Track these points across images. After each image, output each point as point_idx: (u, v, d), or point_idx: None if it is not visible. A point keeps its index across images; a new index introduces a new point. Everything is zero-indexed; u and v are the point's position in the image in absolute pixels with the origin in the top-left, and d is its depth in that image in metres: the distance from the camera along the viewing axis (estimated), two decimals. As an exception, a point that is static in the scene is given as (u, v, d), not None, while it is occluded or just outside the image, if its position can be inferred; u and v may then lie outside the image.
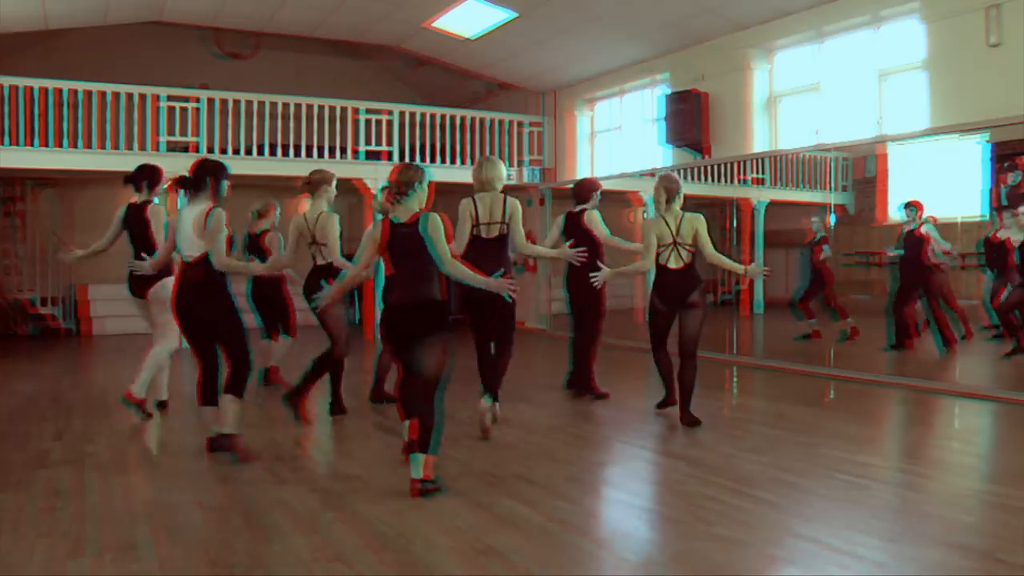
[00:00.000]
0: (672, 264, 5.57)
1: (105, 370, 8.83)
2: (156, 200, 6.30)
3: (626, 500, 4.14)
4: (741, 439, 5.29)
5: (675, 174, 5.80)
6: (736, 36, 10.17)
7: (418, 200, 4.27)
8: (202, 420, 5.00)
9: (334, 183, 6.11)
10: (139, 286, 6.00)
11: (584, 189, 6.69)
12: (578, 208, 6.59)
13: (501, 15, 10.89)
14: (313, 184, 6.03)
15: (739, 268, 5.87)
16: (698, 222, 5.55)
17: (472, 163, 12.37)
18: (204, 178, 4.80)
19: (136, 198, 6.20)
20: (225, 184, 4.89)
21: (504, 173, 5.57)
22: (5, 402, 6.72)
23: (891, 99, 9.08)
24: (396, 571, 3.09)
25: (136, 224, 6.07)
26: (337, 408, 6.05)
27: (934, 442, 5.56)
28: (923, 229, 8.46)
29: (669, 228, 5.56)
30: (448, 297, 4.28)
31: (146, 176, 6.23)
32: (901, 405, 6.60)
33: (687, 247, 5.54)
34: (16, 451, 4.96)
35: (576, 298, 6.55)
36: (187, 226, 4.75)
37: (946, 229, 8.63)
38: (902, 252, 8.64)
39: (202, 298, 4.72)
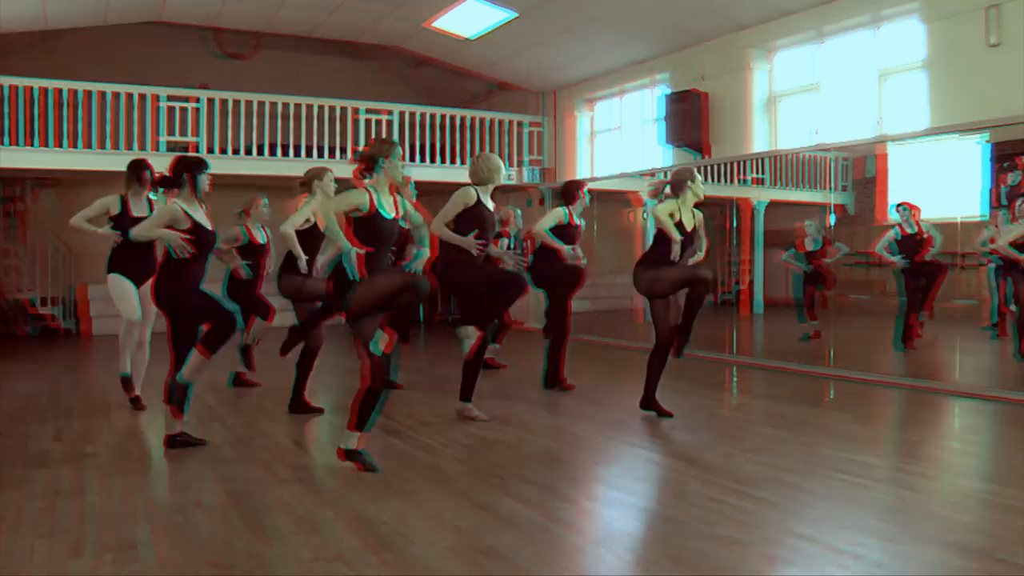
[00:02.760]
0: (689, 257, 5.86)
1: (105, 370, 8.82)
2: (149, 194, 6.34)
3: (626, 500, 4.14)
4: (741, 439, 5.28)
5: (689, 168, 5.93)
6: (736, 36, 10.18)
7: (387, 175, 4.40)
8: (196, 419, 5.04)
9: (327, 177, 6.14)
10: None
11: (567, 191, 7.02)
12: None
13: (501, 15, 10.89)
14: (307, 183, 6.14)
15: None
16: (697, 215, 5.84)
17: (471, 160, 12.45)
18: (181, 175, 4.91)
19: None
20: (203, 179, 4.95)
21: (496, 168, 5.64)
22: (5, 402, 6.72)
23: (891, 99, 9.09)
24: (396, 571, 3.09)
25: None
26: (298, 406, 6.12)
27: (934, 442, 5.56)
28: (925, 233, 8.43)
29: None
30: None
31: (132, 172, 6.30)
32: (901, 405, 6.60)
33: None
34: (16, 451, 4.96)
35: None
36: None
37: (946, 229, 8.63)
38: (904, 259, 8.55)
39: (170, 291, 4.87)
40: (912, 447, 5.42)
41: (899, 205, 8.67)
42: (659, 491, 4.29)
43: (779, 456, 4.75)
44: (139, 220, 5.98)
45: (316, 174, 6.14)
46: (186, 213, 4.86)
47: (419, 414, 5.97)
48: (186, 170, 4.91)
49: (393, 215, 4.48)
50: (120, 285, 6.08)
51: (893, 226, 8.57)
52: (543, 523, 3.62)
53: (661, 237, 5.67)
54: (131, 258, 6.07)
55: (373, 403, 4.36)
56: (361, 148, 4.53)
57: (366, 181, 4.46)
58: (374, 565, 3.13)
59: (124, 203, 6.22)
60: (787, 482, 4.21)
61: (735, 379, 8.08)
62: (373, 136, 11.78)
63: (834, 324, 9.61)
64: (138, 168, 6.26)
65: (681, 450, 5.10)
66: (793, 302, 10.19)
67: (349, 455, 4.43)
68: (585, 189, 7.01)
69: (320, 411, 6.11)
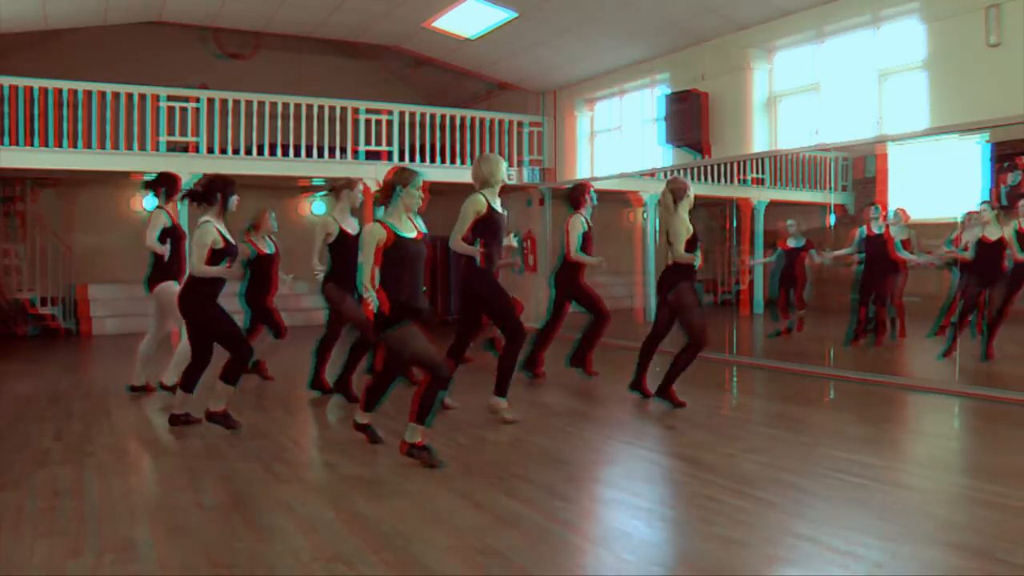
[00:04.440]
0: (668, 261, 5.97)
1: (105, 370, 8.83)
2: (170, 207, 6.67)
3: (626, 500, 4.14)
4: (741, 439, 5.29)
5: (681, 177, 6.12)
6: (736, 36, 10.18)
7: (403, 204, 4.46)
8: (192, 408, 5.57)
9: (357, 188, 6.43)
10: (150, 283, 6.60)
11: (573, 195, 7.25)
12: (573, 214, 7.18)
13: (501, 15, 10.89)
14: (336, 189, 6.43)
15: (688, 258, 6.01)
16: (675, 223, 5.91)
17: (472, 163, 12.45)
18: (214, 193, 5.22)
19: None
20: (233, 200, 5.30)
21: (495, 169, 5.60)
22: (5, 402, 6.72)
23: (891, 99, 9.08)
24: (396, 571, 3.10)
25: (144, 228, 6.63)
26: (317, 383, 6.64)
27: (933, 442, 5.56)
28: (892, 231, 8.52)
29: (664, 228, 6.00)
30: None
31: (163, 183, 6.61)
32: (900, 405, 6.61)
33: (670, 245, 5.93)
34: (16, 451, 4.96)
35: (560, 295, 7.31)
36: (192, 235, 5.32)
37: (946, 229, 8.63)
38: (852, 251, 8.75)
39: (192, 304, 5.27)
40: (911, 447, 5.42)
41: (871, 204, 8.85)
42: (659, 491, 4.29)
43: (779, 456, 4.75)
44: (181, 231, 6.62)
45: (348, 184, 6.41)
46: (219, 231, 5.21)
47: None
48: (220, 190, 5.22)
49: (414, 235, 4.56)
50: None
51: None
52: (543, 523, 3.63)
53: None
54: (179, 266, 6.52)
55: (434, 395, 4.53)
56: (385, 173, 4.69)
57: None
58: (374, 565, 3.14)
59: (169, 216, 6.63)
60: (787, 482, 4.21)
61: (735, 379, 8.08)
62: (373, 136, 11.79)
63: (834, 324, 9.62)
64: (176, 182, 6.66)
65: (681, 450, 5.10)
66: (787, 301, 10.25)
67: (412, 450, 4.53)
68: (591, 191, 7.14)
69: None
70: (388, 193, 4.48)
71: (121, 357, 9.78)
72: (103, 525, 3.60)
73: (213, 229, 5.17)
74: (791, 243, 10.06)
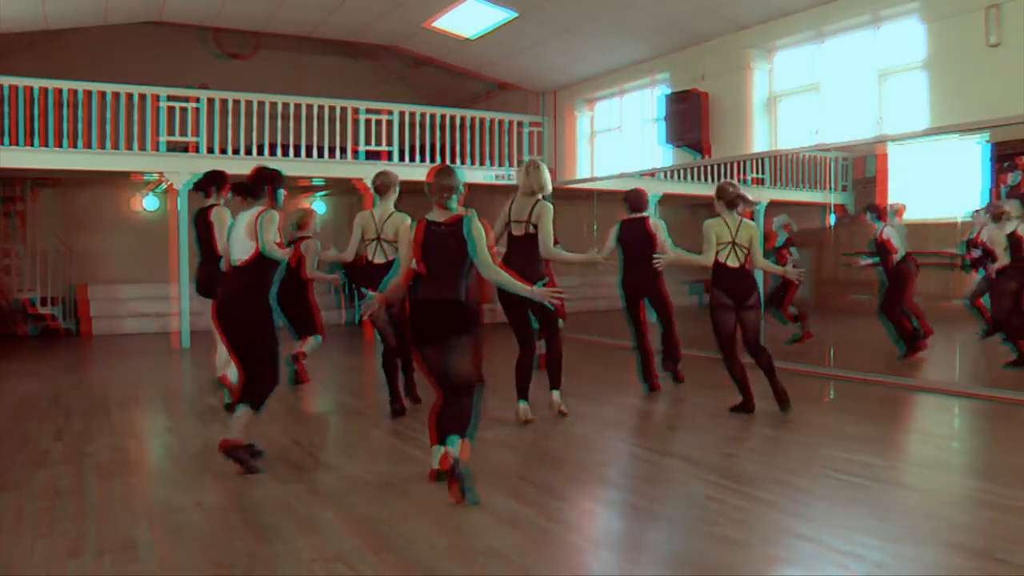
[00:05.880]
0: (731, 263, 5.94)
1: (105, 370, 8.83)
2: (221, 203, 6.34)
3: (626, 500, 4.14)
4: (741, 439, 5.29)
5: (733, 183, 6.11)
6: (736, 36, 10.18)
7: (458, 204, 4.38)
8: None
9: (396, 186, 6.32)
10: (209, 287, 5.96)
11: (641, 199, 7.05)
12: (636, 216, 6.91)
13: (501, 15, 10.89)
14: (381, 187, 6.25)
15: (779, 270, 6.39)
16: (753, 230, 5.99)
17: (472, 163, 12.46)
18: (262, 186, 4.82)
19: (205, 203, 6.38)
20: (282, 193, 4.88)
21: (545, 179, 5.72)
22: (5, 402, 6.72)
23: (891, 99, 9.09)
24: (396, 571, 3.10)
25: (201, 227, 6.26)
26: (397, 407, 6.03)
27: (934, 442, 5.56)
28: (885, 234, 8.17)
29: (728, 229, 5.95)
30: (475, 298, 4.33)
31: (213, 181, 6.42)
32: (901, 405, 6.60)
33: (743, 248, 5.93)
34: (16, 451, 4.96)
35: (636, 297, 6.91)
36: (240, 229, 4.69)
37: (946, 229, 8.62)
38: (876, 260, 8.37)
39: (243, 303, 4.61)
40: (911, 447, 5.42)
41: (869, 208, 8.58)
42: (659, 491, 4.29)
43: (779, 456, 4.76)
44: None
45: (397, 180, 6.25)
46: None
47: (419, 415, 5.96)
48: (268, 182, 4.81)
49: None
50: None
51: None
52: (543, 523, 3.63)
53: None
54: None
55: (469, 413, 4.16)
56: (440, 175, 4.41)
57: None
58: (374, 565, 3.14)
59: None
60: (787, 482, 4.21)
61: (735, 379, 8.06)
62: (373, 136, 11.78)
63: (834, 324, 9.61)
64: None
65: (681, 450, 5.10)
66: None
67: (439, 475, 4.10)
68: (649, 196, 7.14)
69: (419, 401, 6.18)
70: (449, 193, 4.27)
71: (121, 357, 9.79)
72: (103, 525, 3.60)
73: (277, 216, 4.67)
74: (777, 244, 9.83)
